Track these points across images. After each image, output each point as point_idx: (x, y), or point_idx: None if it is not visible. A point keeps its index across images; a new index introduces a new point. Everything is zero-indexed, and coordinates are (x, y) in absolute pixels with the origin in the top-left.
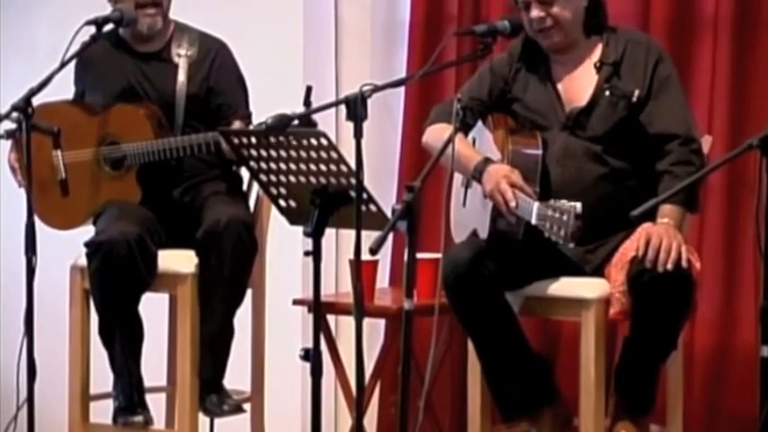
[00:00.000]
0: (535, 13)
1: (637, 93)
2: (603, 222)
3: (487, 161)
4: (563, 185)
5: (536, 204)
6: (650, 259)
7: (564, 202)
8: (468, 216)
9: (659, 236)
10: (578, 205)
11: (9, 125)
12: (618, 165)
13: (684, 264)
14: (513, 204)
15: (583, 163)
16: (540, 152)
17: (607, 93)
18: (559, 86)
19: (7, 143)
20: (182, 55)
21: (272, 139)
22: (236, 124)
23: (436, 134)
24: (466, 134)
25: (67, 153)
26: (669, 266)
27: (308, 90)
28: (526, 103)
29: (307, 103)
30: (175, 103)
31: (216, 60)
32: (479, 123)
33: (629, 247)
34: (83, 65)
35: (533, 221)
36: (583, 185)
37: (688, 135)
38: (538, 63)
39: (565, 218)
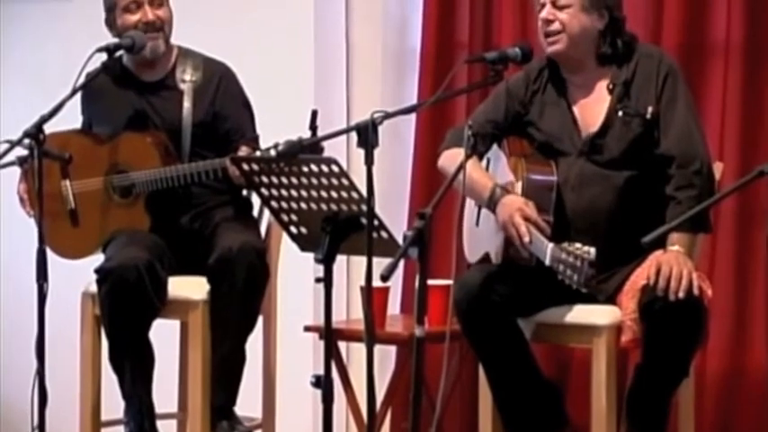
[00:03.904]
0: (545, 13)
1: (650, 109)
2: (617, 252)
3: (502, 191)
4: (577, 214)
5: (550, 246)
6: (661, 288)
7: (578, 246)
8: (480, 236)
9: (670, 264)
10: (593, 251)
11: (21, 152)
12: (636, 190)
13: (696, 291)
14: (526, 239)
15: (598, 191)
16: (554, 179)
17: (620, 113)
18: (576, 111)
19: (16, 171)
20: (186, 81)
21: (284, 166)
22: (244, 148)
23: (451, 159)
24: (481, 158)
25: (76, 183)
26: (680, 295)
27: (314, 114)
28: (542, 127)
29: (312, 127)
30: (182, 129)
31: (221, 85)
32: (495, 146)
33: (641, 275)
34: (88, 96)
35: (547, 262)
36: (597, 215)
37: (686, 156)
38: (556, 86)
39: (579, 264)
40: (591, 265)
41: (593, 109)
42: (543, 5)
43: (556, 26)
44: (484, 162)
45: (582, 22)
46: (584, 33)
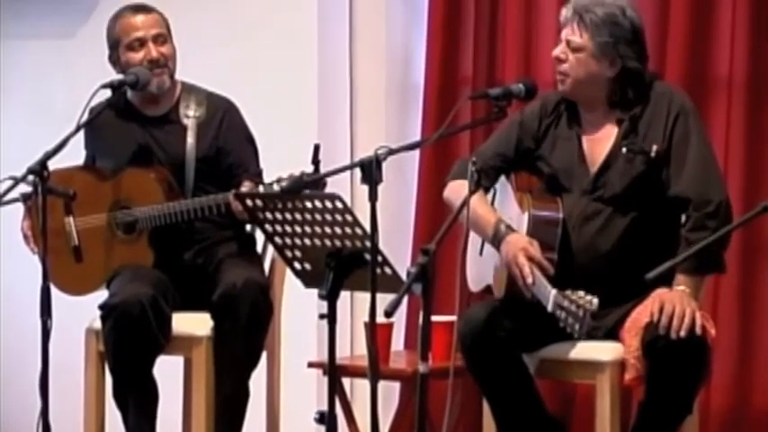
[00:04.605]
0: (557, 51)
1: (655, 148)
2: (616, 291)
3: (507, 228)
4: (579, 252)
5: (553, 292)
6: (663, 325)
7: (581, 295)
8: (484, 266)
9: (672, 302)
10: (595, 301)
11: (25, 188)
12: (638, 233)
13: (698, 330)
14: (529, 281)
15: (599, 231)
16: (560, 216)
17: (624, 149)
18: (585, 147)
19: (20, 208)
20: (190, 116)
21: (287, 202)
22: (247, 183)
23: (456, 192)
24: (487, 191)
25: (80, 219)
26: (682, 333)
27: (316, 148)
28: (551, 162)
29: (315, 161)
30: (185, 164)
31: (224, 120)
32: (502, 177)
33: (643, 313)
34: (92, 131)
35: (549, 309)
36: (597, 255)
37: (703, 198)
38: (570, 120)
39: (581, 313)
40: (593, 316)
41: (600, 145)
42: (560, 42)
43: (564, 68)
44: (491, 194)
45: (590, 69)
46: (591, 79)
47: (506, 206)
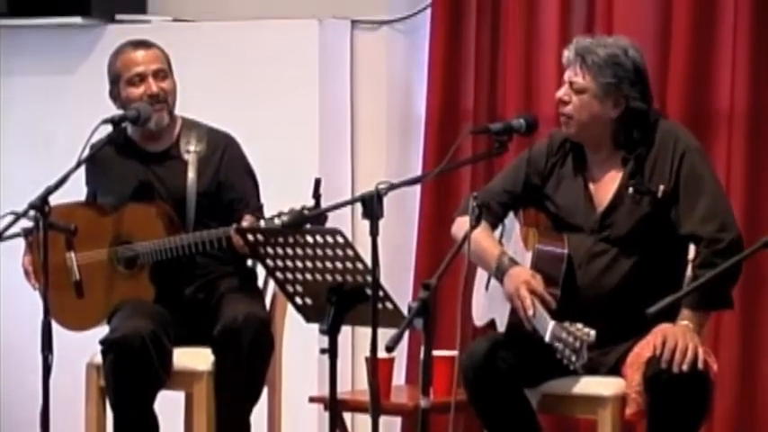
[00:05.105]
0: (561, 92)
1: (662, 187)
2: (619, 327)
3: (510, 261)
4: (584, 289)
5: (551, 323)
6: (665, 360)
7: (579, 327)
8: (489, 301)
9: (674, 337)
10: (593, 333)
11: (25, 223)
12: (643, 268)
13: (701, 365)
14: (530, 313)
15: (604, 272)
16: (565, 252)
17: (630, 190)
18: (591, 187)
19: (21, 243)
20: (191, 151)
21: (289, 237)
22: (248, 218)
23: (461, 227)
24: (494, 227)
25: (81, 254)
26: (684, 368)
27: (317, 182)
28: (556, 201)
29: (316, 195)
30: (186, 199)
31: (225, 155)
32: (511, 213)
33: (645, 347)
34: (93, 167)
35: (546, 339)
36: (601, 294)
37: (713, 236)
38: (575, 159)
39: (578, 345)
40: (590, 348)
41: (606, 185)
42: (563, 83)
43: (567, 110)
44: (498, 230)
45: (593, 110)
46: (595, 120)
47: (513, 241)
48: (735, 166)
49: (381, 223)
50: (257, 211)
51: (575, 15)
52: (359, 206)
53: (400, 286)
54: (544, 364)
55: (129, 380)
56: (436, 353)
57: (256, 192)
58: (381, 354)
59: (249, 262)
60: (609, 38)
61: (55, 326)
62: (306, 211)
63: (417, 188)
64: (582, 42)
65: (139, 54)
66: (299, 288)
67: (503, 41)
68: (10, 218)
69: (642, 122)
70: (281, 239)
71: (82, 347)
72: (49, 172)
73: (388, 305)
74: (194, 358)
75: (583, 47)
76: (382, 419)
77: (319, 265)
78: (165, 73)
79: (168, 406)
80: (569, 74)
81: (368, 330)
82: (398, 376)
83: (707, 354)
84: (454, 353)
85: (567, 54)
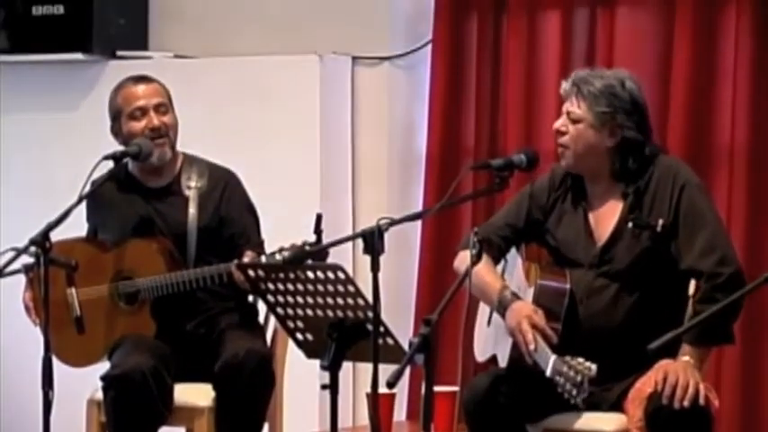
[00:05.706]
0: (558, 123)
1: (661, 222)
2: (621, 364)
3: (512, 296)
4: (585, 326)
5: (553, 357)
6: (666, 395)
7: (581, 362)
8: (490, 336)
9: (676, 373)
10: (594, 368)
11: (26, 259)
12: (644, 305)
13: (702, 401)
14: (532, 347)
15: (604, 308)
16: (567, 287)
17: (630, 224)
18: (591, 221)
19: (21, 279)
20: (192, 187)
21: (290, 273)
22: (249, 254)
23: (463, 262)
24: (497, 262)
25: (82, 290)
26: (686, 404)
27: (318, 218)
28: (557, 235)
29: (317, 231)
30: (187, 235)
31: (226, 191)
32: (513, 249)
33: (646, 383)
34: (94, 203)
35: (548, 374)
36: (604, 328)
37: (713, 270)
38: (576, 194)
39: (579, 379)
40: (591, 382)
41: (606, 219)
42: (561, 115)
43: (564, 140)
44: (501, 264)
45: (589, 140)
46: (590, 150)
47: (515, 276)
48: (735, 202)
49: (382, 259)
50: (258, 246)
51: (575, 51)
52: (360, 242)
53: (401, 322)
54: (546, 399)
55: (130, 416)
56: (437, 388)
57: (257, 227)
58: (382, 389)
59: (250, 298)
60: (608, 70)
61: (56, 362)
62: (307, 247)
63: (418, 224)
64: (580, 74)
65: (140, 88)
66: (299, 324)
67: (503, 77)
68: (11, 254)
69: (638, 153)
70: (282, 275)
71: (82, 383)
72: (49, 208)
73: (389, 341)
74: (195, 394)
75: (580, 78)
76: None
77: (320, 300)
78: (166, 107)
79: None
80: (567, 105)
81: (369, 366)
82: (399, 412)
83: (708, 389)
84: (455, 388)
85: (565, 85)
